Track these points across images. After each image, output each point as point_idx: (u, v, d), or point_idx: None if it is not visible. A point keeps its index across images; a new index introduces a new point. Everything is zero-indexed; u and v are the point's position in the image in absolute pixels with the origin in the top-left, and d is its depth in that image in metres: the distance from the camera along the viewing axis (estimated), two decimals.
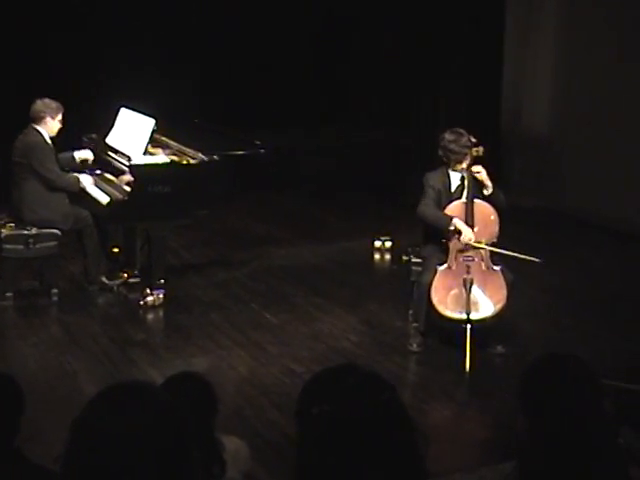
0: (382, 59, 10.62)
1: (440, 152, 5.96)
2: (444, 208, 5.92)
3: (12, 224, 6.76)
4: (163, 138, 7.10)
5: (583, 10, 9.49)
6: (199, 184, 6.70)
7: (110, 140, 7.23)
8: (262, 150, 7.19)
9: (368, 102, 10.96)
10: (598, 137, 9.19)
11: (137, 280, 7.09)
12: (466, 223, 5.85)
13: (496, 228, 5.94)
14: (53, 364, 5.81)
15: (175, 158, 6.85)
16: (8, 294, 6.73)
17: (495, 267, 5.89)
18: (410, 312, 6.21)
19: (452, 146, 5.89)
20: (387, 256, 8.24)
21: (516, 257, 5.91)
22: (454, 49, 10.13)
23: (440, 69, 10.29)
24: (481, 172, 5.88)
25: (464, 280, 5.79)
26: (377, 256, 8.26)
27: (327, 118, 10.74)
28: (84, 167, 7.11)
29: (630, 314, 6.72)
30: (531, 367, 2.36)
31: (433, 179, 6.00)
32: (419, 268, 6.12)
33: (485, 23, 10.05)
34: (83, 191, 6.83)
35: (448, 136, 5.91)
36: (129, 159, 6.71)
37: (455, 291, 5.84)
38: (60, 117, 6.80)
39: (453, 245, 5.89)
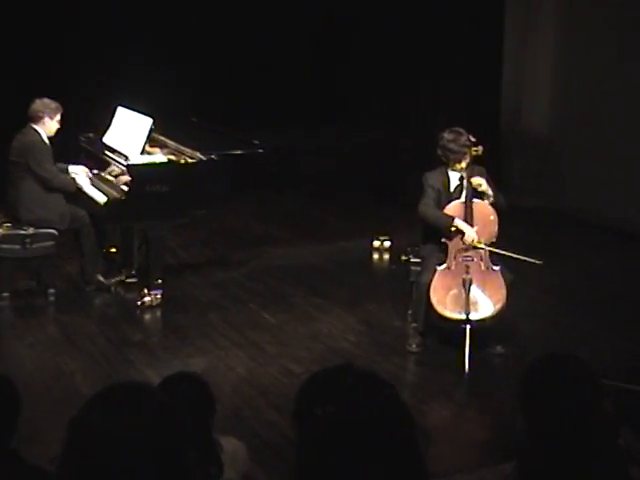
0: (382, 59, 10.60)
1: (439, 151, 5.94)
2: (443, 208, 5.90)
3: (9, 224, 6.73)
4: (161, 137, 7.08)
5: (582, 10, 9.49)
6: (197, 184, 6.68)
7: (107, 139, 7.20)
8: (260, 150, 7.16)
9: (368, 102, 10.95)
10: (598, 137, 9.18)
11: (134, 280, 7.07)
12: (465, 223, 5.84)
13: (495, 228, 5.92)
14: (50, 364, 5.79)
15: (173, 157, 6.82)
16: (5, 294, 6.71)
17: (494, 267, 5.87)
18: (409, 312, 6.18)
19: (451, 145, 5.87)
20: (386, 256, 8.22)
21: (517, 258, 5.90)
22: (454, 49, 10.12)
23: (440, 69, 10.28)
24: (482, 184, 5.85)
25: (463, 280, 5.77)
26: (376, 256, 8.24)
27: (327, 118, 10.74)
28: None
29: (630, 314, 6.71)
30: (531, 367, 2.35)
31: (432, 179, 5.98)
32: (418, 268, 6.09)
33: (485, 23, 10.04)
34: (80, 190, 6.82)
35: (447, 135, 5.89)
36: (127, 158, 6.69)
37: (454, 291, 5.81)
38: (59, 117, 6.78)
39: (453, 245, 5.87)
